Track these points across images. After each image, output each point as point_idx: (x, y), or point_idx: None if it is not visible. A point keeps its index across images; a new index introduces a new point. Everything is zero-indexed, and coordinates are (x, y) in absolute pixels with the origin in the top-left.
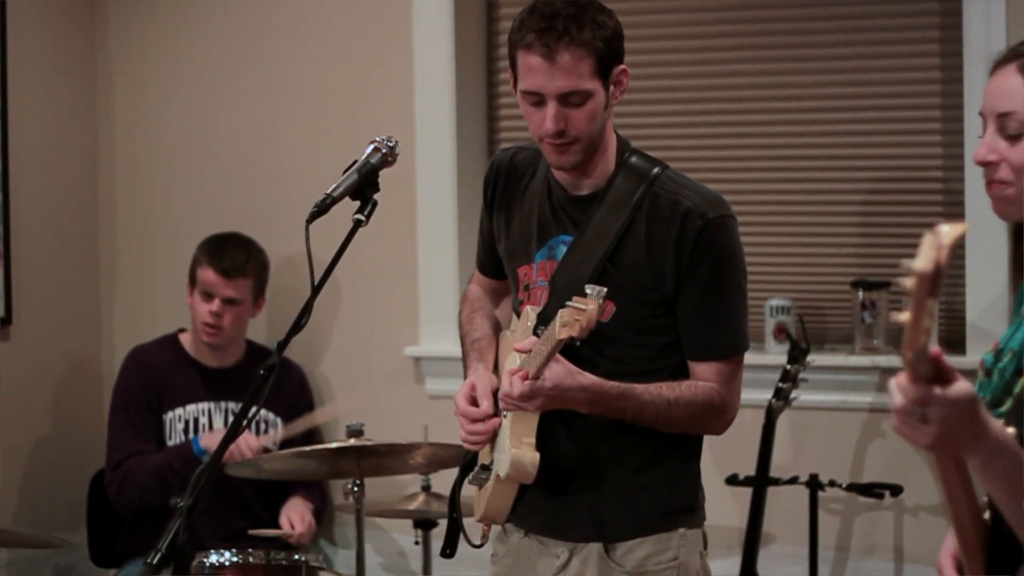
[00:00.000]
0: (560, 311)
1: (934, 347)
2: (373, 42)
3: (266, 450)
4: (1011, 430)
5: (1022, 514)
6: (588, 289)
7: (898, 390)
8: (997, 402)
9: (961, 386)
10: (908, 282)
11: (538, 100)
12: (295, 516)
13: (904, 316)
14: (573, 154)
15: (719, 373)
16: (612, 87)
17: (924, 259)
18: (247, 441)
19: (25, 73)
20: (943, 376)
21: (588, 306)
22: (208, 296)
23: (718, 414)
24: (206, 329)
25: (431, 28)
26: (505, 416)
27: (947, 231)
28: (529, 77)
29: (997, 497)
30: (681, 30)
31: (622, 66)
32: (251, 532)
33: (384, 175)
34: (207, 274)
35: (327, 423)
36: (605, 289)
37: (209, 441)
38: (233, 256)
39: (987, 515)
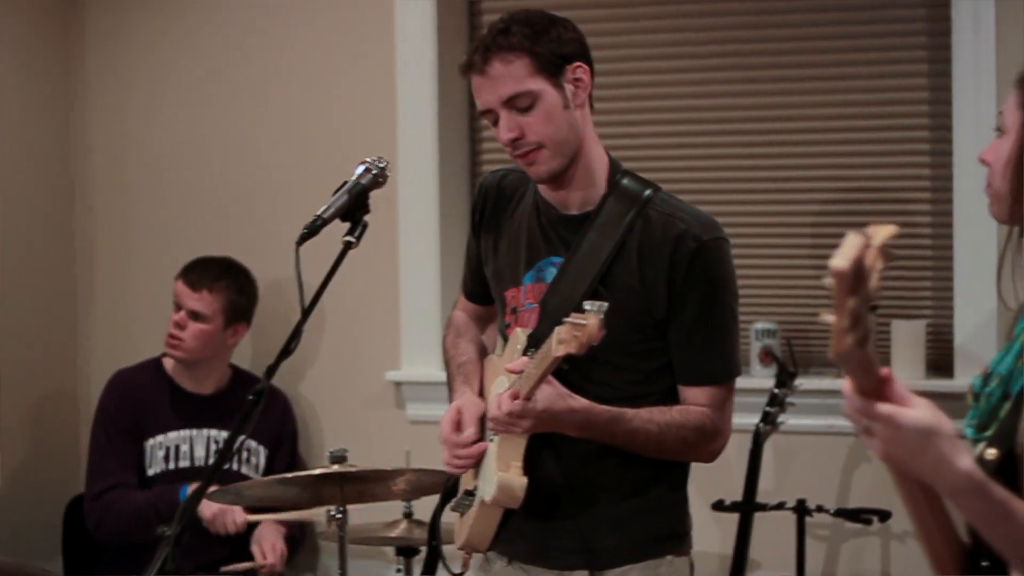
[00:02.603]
0: (556, 328)
1: (885, 369)
2: (355, 65)
3: (250, 526)
4: (993, 451)
5: (1001, 548)
6: (587, 305)
7: (845, 395)
8: (983, 426)
9: (912, 414)
10: (827, 281)
11: (494, 117)
12: (266, 545)
13: (828, 317)
14: (544, 161)
15: (711, 398)
16: (570, 86)
17: (842, 257)
18: (234, 516)
19: None
20: (892, 397)
21: (588, 321)
22: (176, 307)
23: (709, 440)
24: (168, 340)
25: (413, 50)
26: (492, 440)
27: (874, 231)
28: (477, 97)
29: (974, 527)
30: (667, 50)
31: (577, 63)
32: (223, 569)
33: None
34: (177, 285)
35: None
36: (606, 304)
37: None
38: (203, 270)
39: (966, 538)
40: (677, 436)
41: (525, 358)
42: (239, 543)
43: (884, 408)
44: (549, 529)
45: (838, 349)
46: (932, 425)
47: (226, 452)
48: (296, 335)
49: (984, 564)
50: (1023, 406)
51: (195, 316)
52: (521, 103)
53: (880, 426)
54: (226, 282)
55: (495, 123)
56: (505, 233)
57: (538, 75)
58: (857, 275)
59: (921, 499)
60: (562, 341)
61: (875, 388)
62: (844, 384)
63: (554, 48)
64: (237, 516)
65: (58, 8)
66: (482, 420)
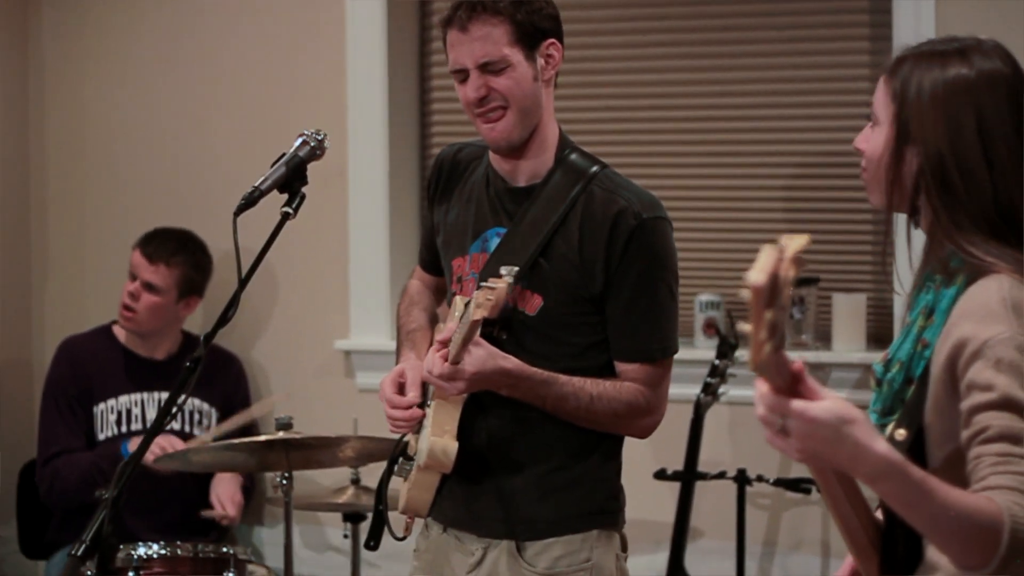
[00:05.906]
0: (475, 293)
1: (797, 363)
2: (305, 38)
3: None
4: (902, 431)
5: (923, 527)
6: (502, 270)
7: (759, 398)
8: (888, 410)
9: (824, 405)
10: (744, 294)
11: (463, 76)
12: (225, 496)
13: (746, 327)
14: (505, 125)
15: (646, 375)
16: (541, 60)
17: (759, 271)
18: (170, 442)
19: None
20: (804, 393)
21: (498, 285)
22: (132, 277)
23: (641, 416)
24: (122, 312)
25: (363, 22)
26: (429, 406)
27: (788, 243)
28: (451, 52)
29: (895, 510)
30: (610, 26)
31: (551, 40)
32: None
33: (316, 169)
34: (134, 255)
35: (259, 418)
36: (517, 268)
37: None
38: (162, 243)
39: (879, 514)
40: (608, 408)
41: (452, 325)
42: (192, 503)
43: (798, 404)
44: (479, 496)
45: (757, 359)
46: (845, 414)
47: (162, 418)
48: (233, 303)
49: (901, 533)
50: (927, 387)
51: (149, 288)
52: (493, 68)
53: (796, 422)
54: (183, 257)
55: (463, 82)
56: (456, 204)
57: (515, 44)
58: (773, 288)
59: (836, 487)
60: (479, 305)
61: (789, 386)
62: (758, 387)
63: (536, 21)
64: (175, 442)
65: None
66: (426, 385)
